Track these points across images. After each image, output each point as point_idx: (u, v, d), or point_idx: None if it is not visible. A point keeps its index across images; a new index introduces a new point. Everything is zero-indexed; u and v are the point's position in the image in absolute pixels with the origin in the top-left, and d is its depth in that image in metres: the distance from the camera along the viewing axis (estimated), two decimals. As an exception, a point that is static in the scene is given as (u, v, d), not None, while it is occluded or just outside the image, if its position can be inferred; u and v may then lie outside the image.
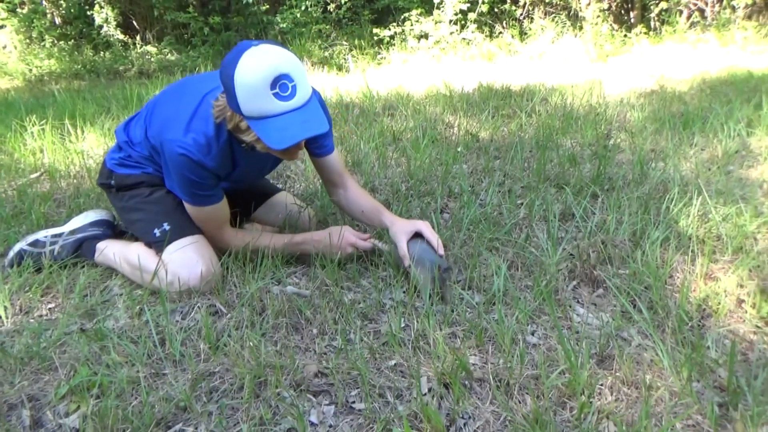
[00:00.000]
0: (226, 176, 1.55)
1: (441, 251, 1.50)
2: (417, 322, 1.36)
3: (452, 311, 1.40)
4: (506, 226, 1.84)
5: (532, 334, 1.32)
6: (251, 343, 1.28)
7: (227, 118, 1.37)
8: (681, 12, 6.91)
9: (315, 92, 1.46)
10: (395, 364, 1.22)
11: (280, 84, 1.26)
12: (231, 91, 1.27)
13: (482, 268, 1.61)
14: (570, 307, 1.42)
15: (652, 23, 7.11)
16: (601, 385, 1.14)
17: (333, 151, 1.70)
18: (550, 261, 1.59)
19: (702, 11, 6.86)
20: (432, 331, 1.31)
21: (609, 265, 1.58)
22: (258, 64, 1.23)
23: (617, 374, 1.16)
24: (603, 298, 1.47)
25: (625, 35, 6.71)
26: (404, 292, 1.50)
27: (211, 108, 1.41)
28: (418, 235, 1.56)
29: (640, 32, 6.70)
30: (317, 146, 1.67)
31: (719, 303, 1.39)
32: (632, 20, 7.23)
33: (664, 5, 6.87)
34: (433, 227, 1.62)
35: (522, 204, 2.05)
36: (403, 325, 1.36)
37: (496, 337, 1.29)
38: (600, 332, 1.29)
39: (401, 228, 1.56)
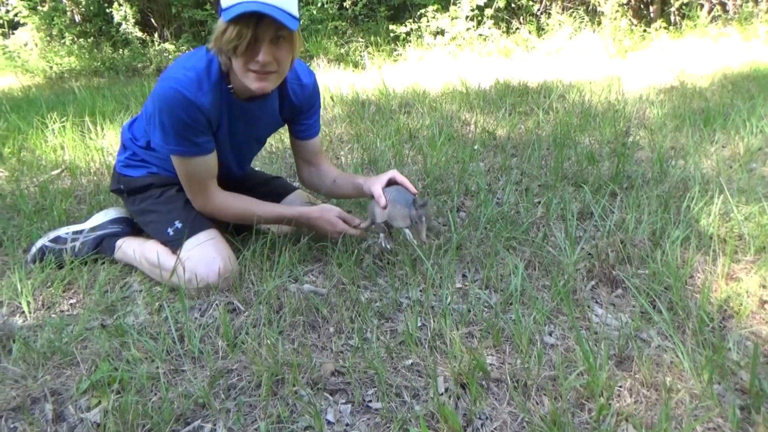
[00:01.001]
0: (216, 130, 1.53)
1: (413, 190, 1.59)
2: (434, 321, 1.36)
3: (469, 311, 1.39)
4: (523, 225, 1.82)
5: (550, 335, 1.31)
6: (269, 341, 1.29)
7: (216, 36, 1.37)
8: (702, 6, 6.79)
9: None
10: (412, 363, 1.22)
11: None
12: None
13: (499, 267, 1.60)
14: (588, 307, 1.41)
15: (672, 18, 7.00)
16: (620, 386, 1.13)
17: (316, 137, 1.74)
18: (568, 260, 1.57)
19: (723, 5, 6.74)
20: (449, 330, 1.31)
21: (628, 264, 1.56)
22: None
23: (636, 376, 1.15)
24: (622, 298, 1.45)
25: (645, 30, 6.62)
26: (421, 291, 1.50)
27: (201, 59, 1.44)
28: (391, 184, 1.62)
29: (660, 27, 6.60)
30: (303, 128, 1.71)
31: (741, 304, 1.37)
32: (652, 15, 7.12)
33: (684, -1, 6.76)
34: (449, 227, 1.63)
35: (539, 203, 2.03)
36: (419, 324, 1.36)
37: (513, 338, 1.28)
38: (619, 333, 1.28)
39: (374, 179, 1.64)
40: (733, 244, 1.62)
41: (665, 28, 6.64)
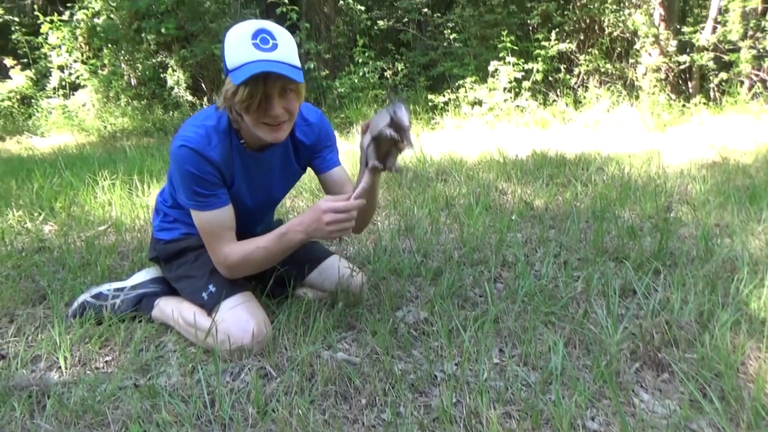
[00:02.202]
0: (230, 182, 1.56)
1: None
2: (470, 398, 1.31)
3: (506, 389, 1.34)
4: (563, 299, 1.78)
5: (593, 420, 1.25)
6: (299, 411, 1.26)
7: (224, 96, 1.43)
8: (742, 82, 6.79)
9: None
10: (446, 442, 1.18)
11: (261, 37, 1.36)
12: (222, 52, 1.40)
13: (538, 343, 1.55)
14: (633, 391, 1.34)
15: (711, 93, 7.01)
16: (670, 482, 1.05)
17: (338, 166, 1.72)
18: (611, 340, 1.52)
19: (764, 82, 6.72)
20: (485, 409, 1.26)
21: (674, 347, 1.50)
22: (247, 22, 1.39)
23: (687, 471, 1.07)
24: (669, 383, 1.38)
25: (684, 105, 6.62)
26: (456, 364, 1.46)
27: (210, 116, 1.51)
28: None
29: (699, 102, 6.60)
30: (321, 161, 1.70)
31: (800, 397, 1.28)
32: (690, 90, 7.14)
33: (723, 76, 6.77)
34: (486, 298, 1.61)
35: (579, 277, 1.99)
36: (454, 400, 1.31)
37: (553, 420, 1.22)
38: (667, 422, 1.21)
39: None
40: (788, 330, 1.54)
41: (705, 103, 6.63)
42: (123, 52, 8.69)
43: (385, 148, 1.45)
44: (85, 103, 8.55)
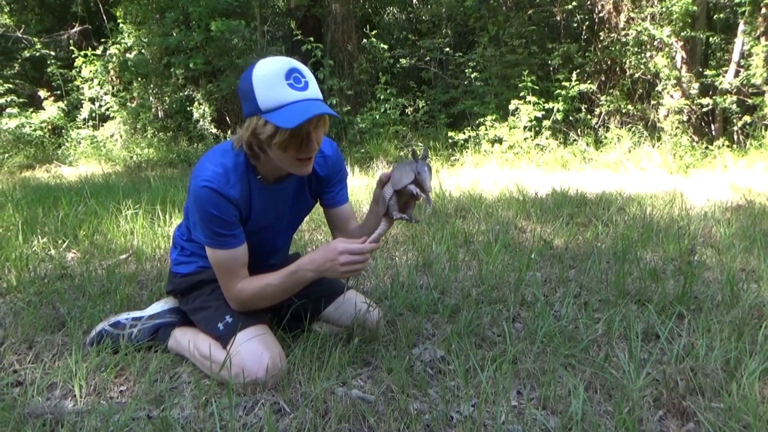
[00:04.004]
0: (247, 217, 1.57)
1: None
2: (486, 441, 1.27)
3: (525, 433, 1.31)
4: (583, 342, 1.74)
5: (614, 469, 1.20)
6: (312, 449, 1.24)
7: (246, 136, 1.44)
8: (766, 126, 6.73)
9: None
10: (462, 488, 1.14)
11: (294, 76, 1.39)
12: (249, 92, 1.38)
13: (557, 386, 1.51)
14: (656, 440, 1.30)
15: (735, 136, 6.95)
16: None
17: (346, 203, 1.77)
18: (633, 386, 1.47)
19: (790, 126, 6.66)
20: (502, 454, 1.22)
21: (700, 396, 1.45)
22: (273, 60, 1.40)
23: None
24: (694, 433, 1.33)
25: (707, 147, 6.57)
26: (473, 406, 1.43)
27: (226, 153, 1.52)
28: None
29: (723, 145, 6.54)
30: (332, 196, 1.74)
31: (834, 453, 1.22)
32: (713, 133, 7.10)
33: (747, 119, 6.72)
34: (504, 337, 1.59)
35: (600, 319, 1.95)
36: (471, 443, 1.28)
37: (573, 468, 1.18)
38: (693, 475, 1.16)
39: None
40: (819, 381, 1.48)
41: (728, 146, 6.57)
42: (152, 85, 8.95)
43: (404, 200, 1.55)
44: (114, 134, 8.78)
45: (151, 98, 8.97)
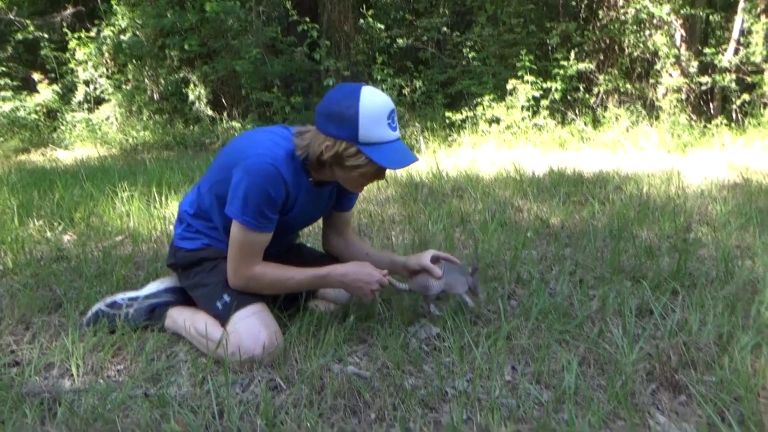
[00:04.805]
0: (288, 211, 1.61)
1: (458, 262, 1.76)
2: (480, 415, 1.29)
3: (518, 407, 1.32)
4: (578, 318, 1.75)
5: (606, 441, 1.22)
6: (308, 424, 1.25)
7: (322, 150, 1.50)
8: (765, 104, 6.70)
9: None
10: (455, 460, 1.16)
11: (392, 117, 1.51)
12: (350, 119, 1.45)
13: (551, 361, 1.53)
14: (648, 413, 1.31)
15: (733, 115, 6.92)
16: (686, 508, 1.02)
17: (352, 208, 1.88)
18: (626, 360, 1.49)
19: (788, 104, 6.63)
20: (496, 427, 1.23)
21: (692, 369, 1.46)
22: (380, 98, 1.48)
23: (705, 497, 1.04)
24: (686, 406, 1.35)
25: (705, 126, 6.55)
26: (468, 381, 1.44)
27: (287, 142, 1.56)
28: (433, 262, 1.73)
29: (721, 124, 6.52)
30: (347, 201, 1.82)
31: (823, 424, 1.24)
32: (712, 111, 7.07)
33: (746, 97, 6.69)
34: (499, 315, 1.62)
35: (595, 296, 1.96)
36: (465, 417, 1.29)
37: (565, 441, 1.20)
38: (683, 446, 1.18)
39: (418, 255, 1.75)
40: (811, 354, 1.49)
41: (726, 125, 6.55)
42: (147, 67, 8.87)
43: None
44: (109, 117, 8.72)
45: (146, 80, 8.88)
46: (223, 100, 8.64)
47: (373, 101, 1.46)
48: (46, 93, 8.71)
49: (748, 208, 3.10)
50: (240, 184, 1.50)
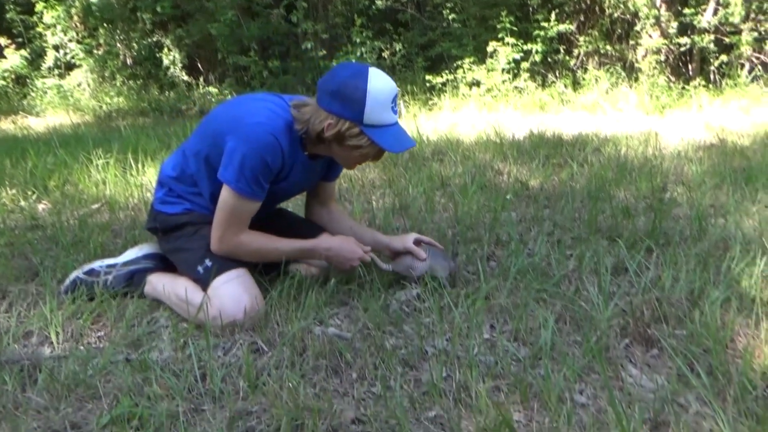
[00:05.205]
0: (282, 180, 1.62)
1: (440, 247, 1.82)
2: (459, 372, 1.32)
3: (496, 363, 1.35)
4: (555, 277, 1.78)
5: (581, 393, 1.26)
6: (290, 384, 1.27)
7: (323, 127, 1.51)
8: (742, 65, 6.74)
9: None
10: (435, 415, 1.19)
11: (395, 101, 1.53)
12: (357, 100, 1.46)
13: (529, 319, 1.56)
14: (622, 366, 1.35)
15: (711, 76, 6.96)
16: (655, 454, 1.06)
17: (336, 179, 1.90)
18: (601, 316, 1.52)
19: (765, 65, 6.67)
20: (475, 383, 1.26)
21: (664, 324, 1.50)
22: (386, 81, 1.50)
23: (673, 443, 1.08)
24: (658, 359, 1.39)
25: (683, 87, 6.58)
26: (447, 340, 1.47)
27: (285, 113, 1.55)
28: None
29: (699, 85, 6.56)
30: (333, 171, 1.83)
31: (787, 372, 1.29)
32: (690, 73, 7.09)
33: (724, 58, 6.72)
34: (478, 276, 1.64)
35: (572, 255, 1.99)
36: (444, 374, 1.32)
37: (541, 394, 1.23)
38: (654, 396, 1.22)
39: (402, 237, 1.80)
40: (778, 307, 1.54)
41: (704, 86, 6.59)
42: (118, 31, 8.60)
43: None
44: (81, 83, 8.49)
45: (118, 45, 8.63)
46: (199, 65, 8.45)
47: (381, 85, 1.48)
48: (13, 58, 8.43)
49: (723, 168, 3.15)
50: (236, 151, 1.50)
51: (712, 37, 6.65)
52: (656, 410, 1.17)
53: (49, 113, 7.52)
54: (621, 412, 1.12)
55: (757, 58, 6.69)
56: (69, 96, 8.08)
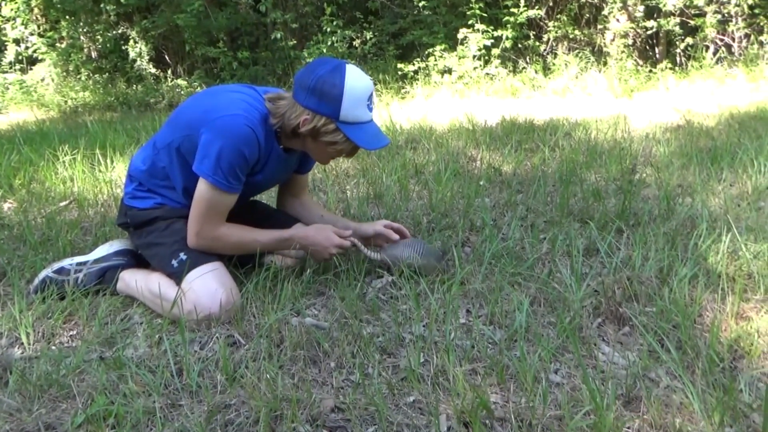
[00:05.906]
0: (258, 173, 1.62)
1: (408, 234, 1.83)
2: (437, 357, 1.33)
3: (473, 347, 1.37)
4: (529, 260, 1.81)
5: (556, 373, 1.28)
6: (268, 376, 1.27)
7: (299, 123, 1.50)
8: (707, 47, 6.88)
9: None
10: (414, 400, 1.20)
11: (371, 98, 1.54)
12: (334, 97, 1.46)
13: (504, 303, 1.58)
14: (595, 345, 1.38)
15: (677, 59, 7.09)
16: (628, 428, 1.09)
17: (309, 171, 1.91)
18: (574, 297, 1.55)
19: (729, 47, 6.82)
20: (452, 367, 1.28)
21: (635, 302, 1.54)
22: (363, 79, 1.51)
23: (645, 417, 1.11)
24: (629, 336, 1.42)
25: (651, 70, 6.69)
26: (424, 326, 1.48)
27: (260, 105, 1.54)
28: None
29: (666, 68, 6.67)
30: (309, 165, 1.85)
31: (752, 344, 1.33)
32: (657, 56, 7.21)
33: (689, 41, 6.85)
34: (453, 262, 1.65)
35: (545, 239, 2.02)
36: (422, 360, 1.33)
37: (518, 375, 1.25)
38: (626, 372, 1.25)
39: (372, 224, 1.81)
40: (743, 282, 1.59)
41: (671, 68, 6.71)
42: (81, 23, 8.38)
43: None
44: (44, 78, 8.26)
45: (81, 38, 8.41)
46: (167, 57, 8.29)
47: (358, 82, 1.49)
48: (-28, 54, 8.16)
49: (690, 149, 3.21)
50: (213, 143, 1.48)
51: (678, 20, 6.77)
52: (629, 386, 1.20)
53: (12, 109, 7.30)
54: (595, 389, 1.15)
55: (721, 40, 6.83)
56: (32, 91, 7.87)
